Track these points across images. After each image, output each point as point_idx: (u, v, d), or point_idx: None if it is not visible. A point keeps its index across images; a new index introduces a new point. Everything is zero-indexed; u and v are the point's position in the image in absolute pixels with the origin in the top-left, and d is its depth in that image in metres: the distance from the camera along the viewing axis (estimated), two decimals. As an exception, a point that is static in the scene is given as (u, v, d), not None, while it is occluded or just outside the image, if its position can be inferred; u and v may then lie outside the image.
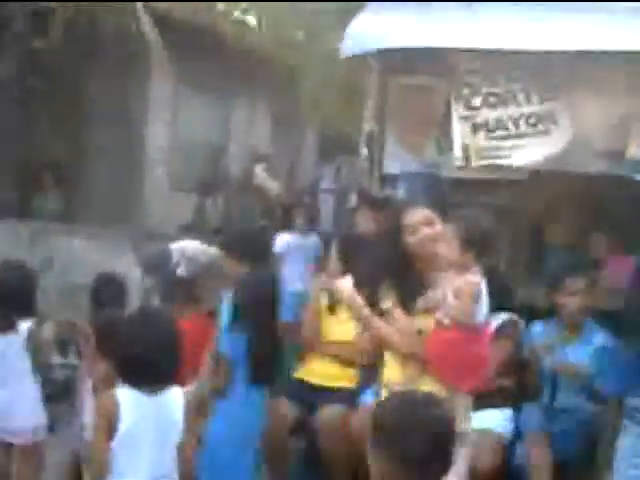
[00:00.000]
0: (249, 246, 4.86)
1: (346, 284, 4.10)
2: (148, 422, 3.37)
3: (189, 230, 9.52)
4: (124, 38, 8.89)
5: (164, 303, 5.26)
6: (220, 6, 10.33)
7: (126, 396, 3.35)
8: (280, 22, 10.99)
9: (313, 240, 8.03)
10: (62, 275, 8.07)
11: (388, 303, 3.93)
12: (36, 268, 6.99)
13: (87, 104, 10.51)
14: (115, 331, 3.68)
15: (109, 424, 3.32)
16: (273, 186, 11.73)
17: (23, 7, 8.51)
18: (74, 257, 8.53)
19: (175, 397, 3.46)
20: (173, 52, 9.74)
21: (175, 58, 9.91)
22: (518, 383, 4.73)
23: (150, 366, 3.37)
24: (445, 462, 2.41)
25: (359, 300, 4.01)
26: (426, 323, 3.78)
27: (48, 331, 5.17)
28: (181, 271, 5.50)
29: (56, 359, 5.78)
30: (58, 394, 5.43)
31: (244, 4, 10.86)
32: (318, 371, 5.04)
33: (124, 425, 3.32)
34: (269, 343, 4.36)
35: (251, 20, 11.05)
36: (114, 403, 3.33)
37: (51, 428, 4.94)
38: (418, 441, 2.33)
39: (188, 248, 5.62)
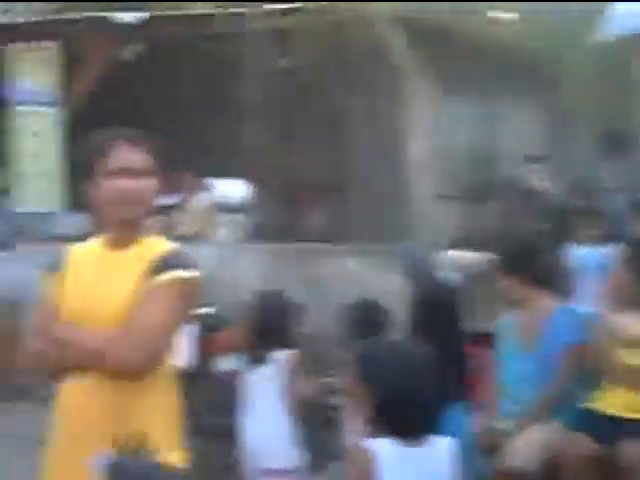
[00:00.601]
0: (531, 266, 4.40)
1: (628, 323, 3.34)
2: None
3: (462, 242, 9.01)
4: (373, 50, 8.69)
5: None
6: (467, 5, 9.76)
7: (384, 448, 2.85)
8: (535, 14, 10.26)
9: (609, 251, 6.73)
10: (333, 296, 7.87)
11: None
12: (305, 290, 6.88)
13: (344, 120, 10.39)
14: (370, 369, 3.19)
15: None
16: (550, 189, 10.86)
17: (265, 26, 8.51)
18: (344, 277, 8.40)
19: (442, 447, 2.92)
20: (425, 57, 9.37)
21: (428, 64, 9.52)
22: None
23: (413, 411, 2.86)
24: None
25: None
26: None
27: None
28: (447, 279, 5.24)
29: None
30: (326, 427, 5.13)
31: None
32: (618, 400, 4.35)
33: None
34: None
35: (505, 16, 10.39)
36: (370, 457, 2.84)
37: (316, 467, 4.68)
38: None
39: (457, 257, 5.33)
